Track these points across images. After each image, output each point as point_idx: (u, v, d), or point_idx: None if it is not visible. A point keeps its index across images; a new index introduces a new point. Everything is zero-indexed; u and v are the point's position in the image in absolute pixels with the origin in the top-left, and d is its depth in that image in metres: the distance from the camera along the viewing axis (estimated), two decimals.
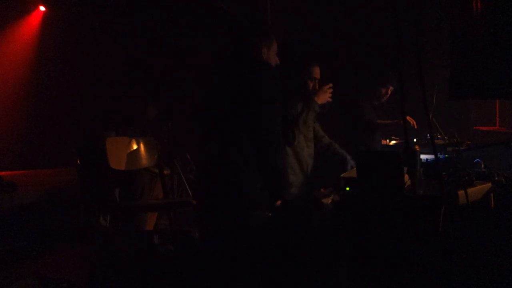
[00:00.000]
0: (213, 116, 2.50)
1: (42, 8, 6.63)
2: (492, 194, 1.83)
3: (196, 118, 2.75)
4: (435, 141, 3.45)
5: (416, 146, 2.25)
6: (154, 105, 4.55)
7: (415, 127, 3.96)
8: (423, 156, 2.52)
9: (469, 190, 1.78)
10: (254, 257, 2.24)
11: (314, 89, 3.04)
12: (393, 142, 4.01)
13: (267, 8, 4.57)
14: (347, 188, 2.14)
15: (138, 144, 3.74)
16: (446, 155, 2.77)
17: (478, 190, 1.84)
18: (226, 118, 2.41)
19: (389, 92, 4.15)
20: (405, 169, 1.98)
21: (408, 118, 4.09)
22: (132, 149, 3.68)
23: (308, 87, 3.02)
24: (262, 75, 2.39)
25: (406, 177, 2.00)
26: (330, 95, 3.02)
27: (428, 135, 3.84)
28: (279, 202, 2.46)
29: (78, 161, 3.80)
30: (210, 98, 2.59)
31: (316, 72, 3.04)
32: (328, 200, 3.07)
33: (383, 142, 4.10)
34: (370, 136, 3.97)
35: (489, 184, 1.91)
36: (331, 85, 3.01)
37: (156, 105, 4.58)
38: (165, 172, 4.05)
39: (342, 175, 2.36)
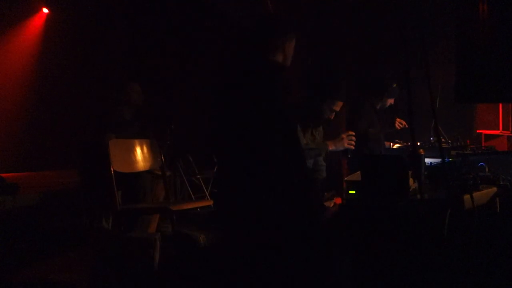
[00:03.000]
0: (224, 133, 2.17)
1: (45, 10, 6.66)
2: (497, 198, 1.82)
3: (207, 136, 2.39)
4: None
5: (421, 150, 2.24)
6: (136, 84, 4.26)
7: (406, 126, 4.01)
8: (427, 160, 2.52)
9: (475, 194, 1.77)
10: (256, 259, 2.22)
11: (329, 119, 3.06)
12: (396, 145, 4.01)
13: (268, 10, 4.57)
14: (353, 192, 2.13)
15: (141, 146, 3.74)
16: (450, 159, 2.76)
17: (483, 194, 1.83)
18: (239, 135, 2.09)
19: (392, 102, 4.20)
20: (410, 173, 1.98)
21: (398, 120, 4.12)
22: (135, 151, 3.68)
23: (324, 115, 3.03)
24: (276, 83, 2.07)
25: (411, 180, 2.00)
26: (351, 143, 2.97)
27: (431, 138, 3.84)
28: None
29: (81, 163, 3.79)
30: (219, 112, 2.21)
31: (338, 105, 3.02)
32: (330, 204, 3.06)
33: (386, 143, 4.11)
34: (373, 141, 3.96)
35: (495, 188, 1.90)
36: (351, 133, 2.97)
37: (138, 82, 4.28)
38: (168, 174, 4.04)
39: (345, 178, 2.35)
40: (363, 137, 3.88)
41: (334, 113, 3.06)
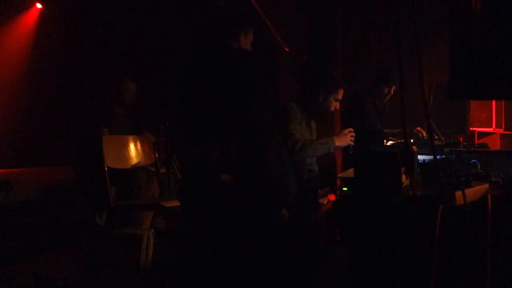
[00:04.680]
0: (191, 115, 2.25)
1: (38, 6, 6.61)
2: (489, 195, 1.83)
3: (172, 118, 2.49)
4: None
5: (414, 147, 2.25)
6: (131, 80, 4.39)
7: (425, 136, 3.99)
8: (419, 157, 2.52)
9: (467, 190, 1.78)
10: (249, 259, 2.22)
11: (335, 109, 3.12)
12: (390, 142, 4.01)
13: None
14: (345, 188, 2.13)
15: (135, 142, 3.73)
16: (443, 156, 2.77)
17: (475, 190, 1.83)
18: (205, 116, 2.16)
19: (392, 92, 4.16)
20: (403, 169, 1.98)
21: (418, 128, 4.10)
22: (128, 148, 3.67)
23: (330, 106, 3.08)
24: (248, 65, 2.15)
25: (404, 177, 2.00)
26: (352, 138, 3.09)
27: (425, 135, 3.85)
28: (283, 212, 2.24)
29: (75, 159, 3.78)
30: (184, 96, 2.30)
31: (341, 93, 3.11)
32: (324, 201, 3.07)
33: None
34: (376, 142, 3.95)
35: (487, 185, 1.91)
36: (351, 129, 3.11)
37: (134, 80, 4.42)
38: (162, 170, 4.04)
39: (339, 175, 2.36)
40: (365, 136, 3.89)
41: (338, 102, 3.12)
